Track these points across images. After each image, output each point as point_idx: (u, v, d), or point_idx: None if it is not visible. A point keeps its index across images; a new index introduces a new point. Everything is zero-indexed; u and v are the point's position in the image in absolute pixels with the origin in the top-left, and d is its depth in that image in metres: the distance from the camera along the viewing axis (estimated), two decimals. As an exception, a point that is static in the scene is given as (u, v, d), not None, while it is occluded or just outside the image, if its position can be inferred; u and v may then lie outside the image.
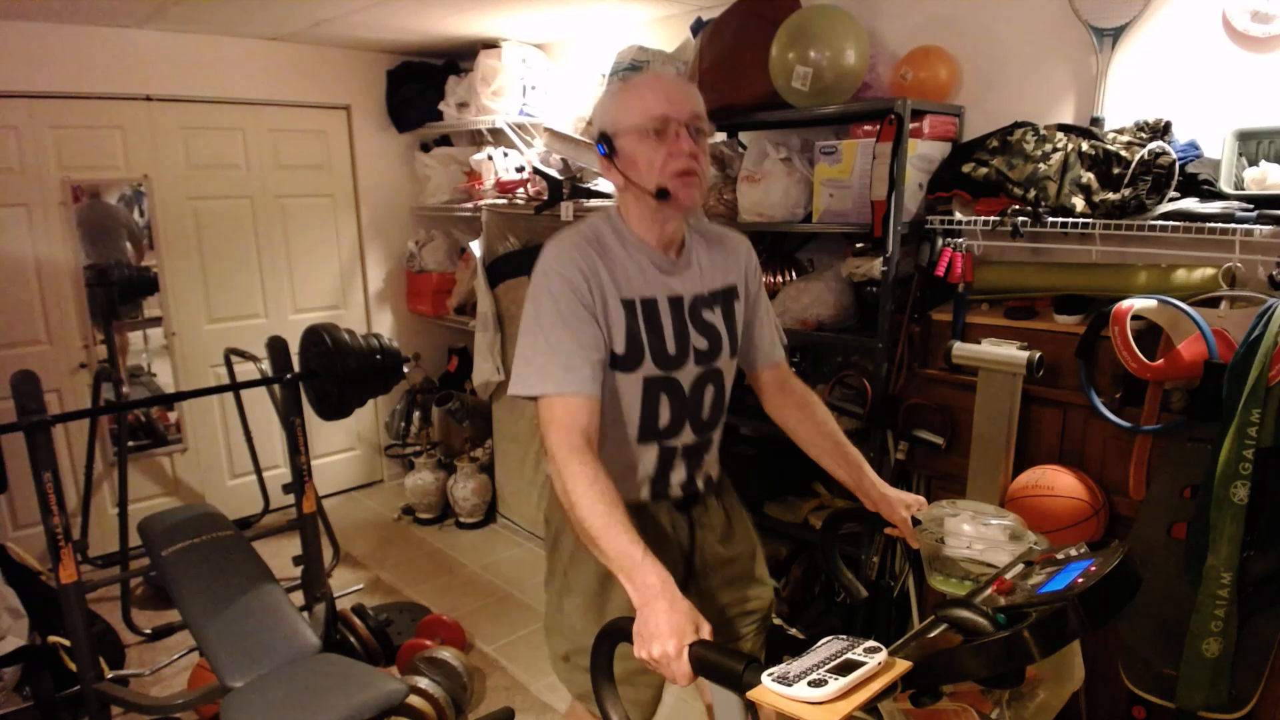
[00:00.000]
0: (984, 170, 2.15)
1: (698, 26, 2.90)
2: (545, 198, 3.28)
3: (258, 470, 3.67)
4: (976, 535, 1.34)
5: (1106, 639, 1.94)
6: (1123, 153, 1.93)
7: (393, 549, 3.80)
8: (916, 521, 1.46)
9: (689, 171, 1.35)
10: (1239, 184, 1.85)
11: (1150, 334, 1.91)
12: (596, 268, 1.36)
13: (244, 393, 3.35)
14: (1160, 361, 1.83)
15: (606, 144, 1.40)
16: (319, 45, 3.90)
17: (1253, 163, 1.86)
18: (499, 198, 3.74)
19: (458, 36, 3.73)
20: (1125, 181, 1.90)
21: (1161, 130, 1.96)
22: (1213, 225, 1.81)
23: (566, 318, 1.32)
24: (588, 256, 1.36)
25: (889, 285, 2.30)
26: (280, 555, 3.09)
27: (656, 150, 1.34)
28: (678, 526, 1.53)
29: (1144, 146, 1.89)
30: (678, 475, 1.51)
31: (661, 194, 1.35)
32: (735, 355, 1.55)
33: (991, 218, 2.14)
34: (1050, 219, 2.02)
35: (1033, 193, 2.04)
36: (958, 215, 2.25)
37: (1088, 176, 1.97)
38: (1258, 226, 1.75)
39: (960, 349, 2.13)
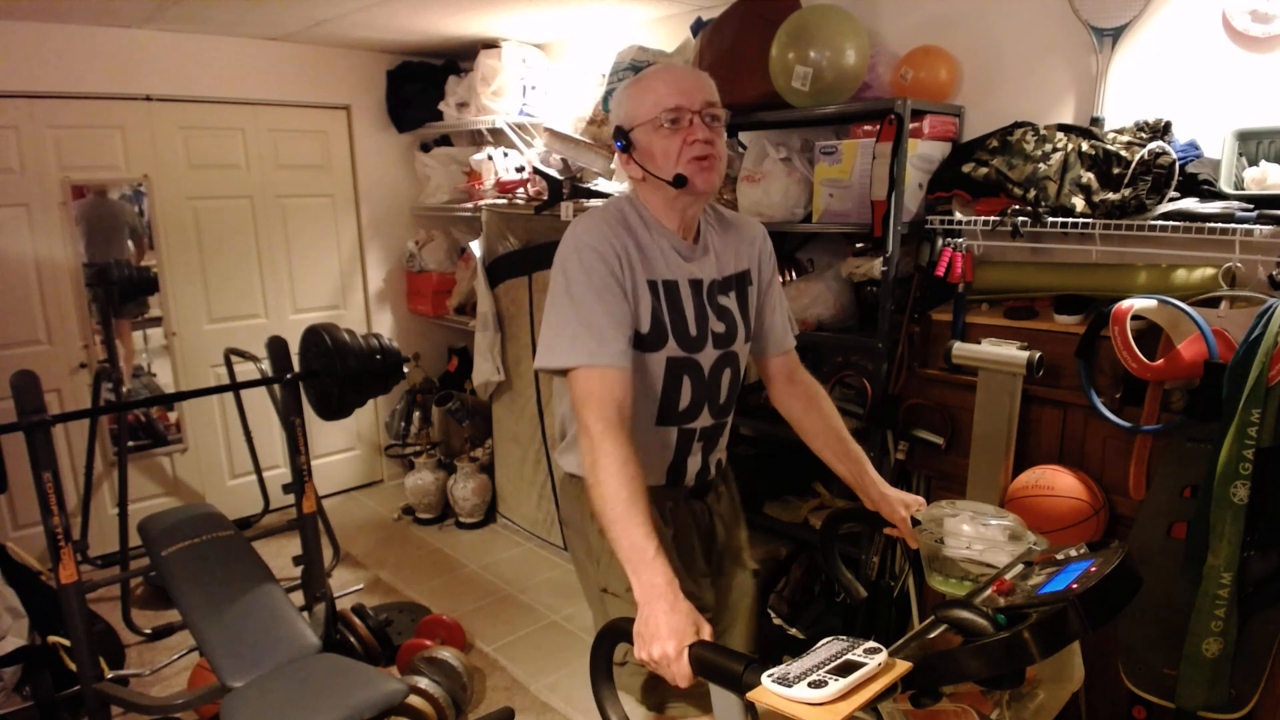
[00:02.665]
0: (984, 170, 2.15)
1: (698, 26, 2.90)
2: (545, 198, 3.28)
3: (258, 470, 3.67)
4: (976, 535, 1.34)
5: (1106, 639, 1.94)
6: (1123, 153, 1.93)
7: (393, 549, 3.80)
8: (916, 521, 1.46)
9: (705, 157, 1.37)
10: (1239, 184, 1.85)
11: (1150, 334, 1.91)
12: (627, 245, 1.37)
13: (244, 393, 3.36)
14: (1160, 361, 1.83)
15: (623, 139, 1.42)
16: (319, 45, 3.90)
17: (1253, 163, 1.86)
18: (499, 198, 3.73)
19: (458, 36, 3.73)
20: (1125, 181, 1.90)
21: (1161, 130, 1.96)
22: (1213, 225, 1.81)
23: (599, 290, 1.32)
24: (619, 234, 1.37)
25: (889, 285, 2.30)
26: (280, 555, 3.09)
27: (671, 140, 1.37)
28: (697, 516, 1.56)
29: (1144, 146, 1.89)
30: (695, 461, 1.53)
31: (679, 181, 1.37)
32: (749, 340, 1.57)
33: (991, 218, 2.14)
34: (1050, 219, 2.02)
35: (1033, 193, 2.04)
36: (958, 215, 2.25)
37: (1088, 176, 1.97)
38: (1258, 226, 1.75)
39: (960, 349, 2.13)
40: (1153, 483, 1.91)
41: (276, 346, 2.38)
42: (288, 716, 1.71)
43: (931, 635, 1.02)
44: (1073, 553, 1.09)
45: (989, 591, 1.06)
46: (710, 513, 1.59)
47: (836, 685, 0.86)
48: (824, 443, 1.60)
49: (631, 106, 1.40)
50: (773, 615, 2.65)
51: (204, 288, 3.81)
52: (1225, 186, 1.84)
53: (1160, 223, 1.88)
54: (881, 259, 2.29)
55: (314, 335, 2.43)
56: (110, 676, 2.25)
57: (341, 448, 4.42)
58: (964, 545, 1.34)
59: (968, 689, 1.05)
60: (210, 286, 3.83)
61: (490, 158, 3.79)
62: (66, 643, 2.31)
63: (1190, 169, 1.91)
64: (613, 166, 3.12)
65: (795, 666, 0.91)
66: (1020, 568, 1.12)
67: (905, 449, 2.36)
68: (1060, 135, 2.05)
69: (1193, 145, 1.97)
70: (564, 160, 3.42)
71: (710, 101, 1.39)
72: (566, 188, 3.23)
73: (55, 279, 3.39)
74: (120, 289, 3.59)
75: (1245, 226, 1.76)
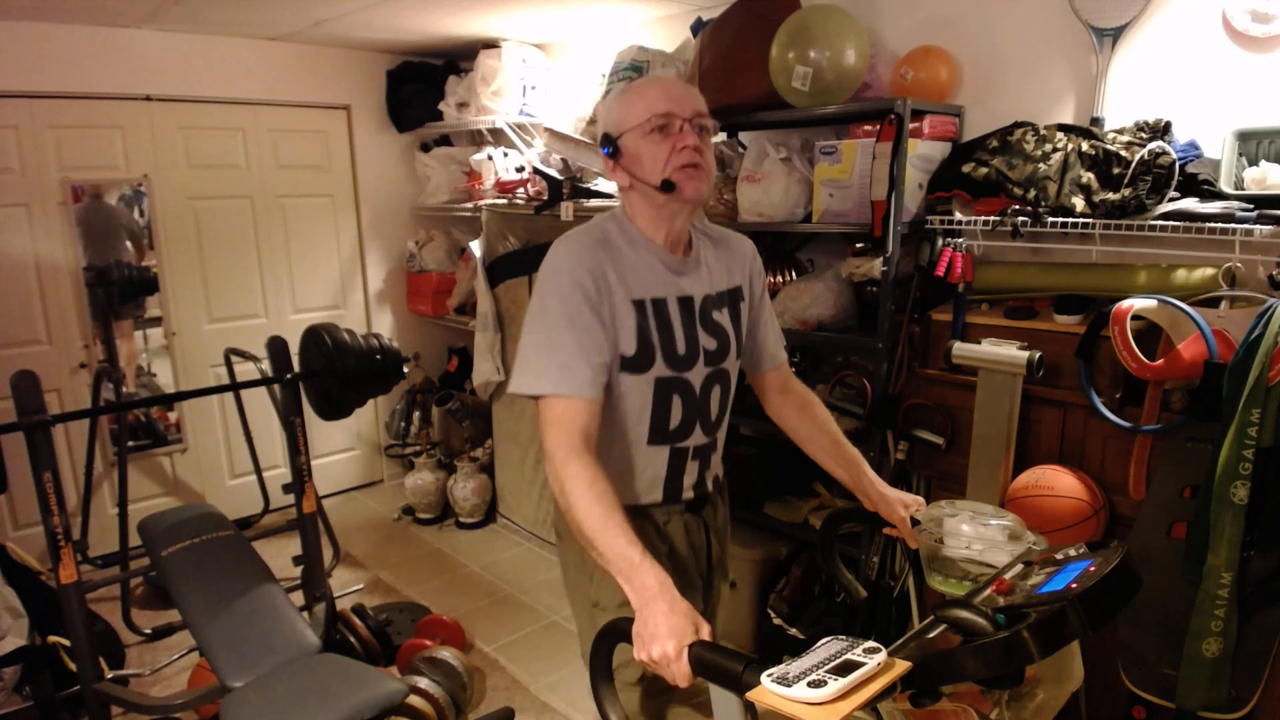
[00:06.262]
0: (984, 170, 2.15)
1: (698, 26, 2.90)
2: (545, 198, 3.28)
3: (258, 470, 3.67)
4: (975, 535, 1.34)
5: (1106, 639, 1.94)
6: (1123, 153, 1.93)
7: (393, 549, 3.80)
8: (915, 521, 1.46)
9: (694, 165, 1.36)
10: (1239, 184, 1.85)
11: (1150, 334, 1.91)
12: (605, 269, 1.36)
13: (244, 393, 3.35)
14: (1160, 361, 1.83)
15: (610, 145, 1.41)
16: (319, 45, 3.90)
17: (1253, 163, 1.86)
18: (499, 198, 3.73)
19: (458, 36, 3.73)
20: (1125, 181, 1.90)
21: (1161, 130, 1.96)
22: (1213, 225, 1.81)
23: (572, 319, 1.32)
24: (597, 258, 1.36)
25: (889, 285, 2.30)
26: (280, 555, 3.09)
27: (661, 145, 1.36)
28: (692, 531, 1.55)
29: (1144, 146, 1.89)
30: (689, 477, 1.52)
31: (667, 186, 1.36)
32: (740, 356, 1.56)
33: (991, 218, 2.14)
34: (1050, 219, 2.02)
35: (1033, 193, 2.04)
36: (958, 215, 2.25)
37: (1088, 176, 1.97)
38: (1258, 226, 1.75)
39: (960, 349, 2.13)
40: (1153, 483, 1.91)
41: (276, 346, 2.38)
42: (288, 716, 1.71)
43: (931, 635, 1.02)
44: (1072, 552, 1.09)
45: (988, 591, 1.06)
46: (706, 527, 1.58)
47: (836, 685, 0.86)
48: (820, 448, 1.61)
49: (621, 112, 1.40)
50: (773, 615, 2.65)
51: (204, 288, 3.81)
52: (1225, 186, 1.84)
53: (1160, 223, 1.88)
54: (881, 259, 2.29)
55: (314, 335, 2.43)
56: (110, 676, 2.25)
57: (341, 448, 4.42)
58: (963, 545, 1.34)
59: (967, 689, 1.04)
60: (210, 286, 3.83)
61: (490, 158, 3.80)
62: (66, 643, 2.31)
63: (1190, 169, 1.91)
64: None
65: (795, 666, 0.91)
66: (1020, 568, 1.12)
67: (905, 449, 2.36)
68: (1060, 135, 2.05)
69: (1193, 145, 1.97)
70: (564, 160, 3.42)
71: (699, 111, 1.38)
72: (566, 188, 3.23)
73: (55, 279, 3.39)
74: (120, 289, 3.59)
75: (1245, 226, 1.76)
